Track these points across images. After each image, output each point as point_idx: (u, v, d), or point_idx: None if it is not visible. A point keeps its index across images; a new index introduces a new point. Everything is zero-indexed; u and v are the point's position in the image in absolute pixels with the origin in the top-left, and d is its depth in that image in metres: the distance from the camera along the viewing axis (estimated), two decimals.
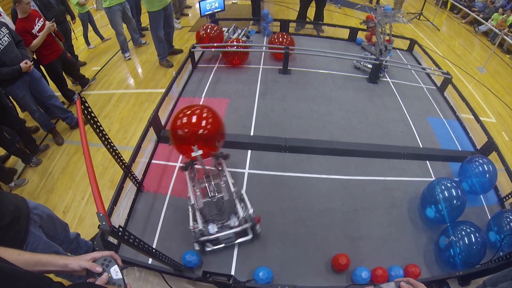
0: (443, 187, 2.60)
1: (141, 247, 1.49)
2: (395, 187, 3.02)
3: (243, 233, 2.44)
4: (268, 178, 3.00)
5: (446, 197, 2.54)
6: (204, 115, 2.25)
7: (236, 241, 2.46)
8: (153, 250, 1.62)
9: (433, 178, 3.13)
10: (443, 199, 2.54)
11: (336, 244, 2.52)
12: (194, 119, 2.21)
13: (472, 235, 2.33)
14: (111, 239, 2.39)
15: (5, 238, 1.95)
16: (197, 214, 2.40)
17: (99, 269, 1.22)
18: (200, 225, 2.33)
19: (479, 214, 2.90)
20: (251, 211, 2.37)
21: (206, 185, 2.56)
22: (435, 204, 2.58)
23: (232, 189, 2.45)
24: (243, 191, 2.61)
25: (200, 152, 2.03)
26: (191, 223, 2.33)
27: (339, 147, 3.29)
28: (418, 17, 9.66)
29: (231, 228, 2.38)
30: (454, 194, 2.56)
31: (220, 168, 2.67)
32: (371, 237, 2.60)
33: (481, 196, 3.07)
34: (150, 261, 2.30)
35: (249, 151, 3.24)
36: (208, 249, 2.44)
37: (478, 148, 3.48)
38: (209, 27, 4.92)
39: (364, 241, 2.57)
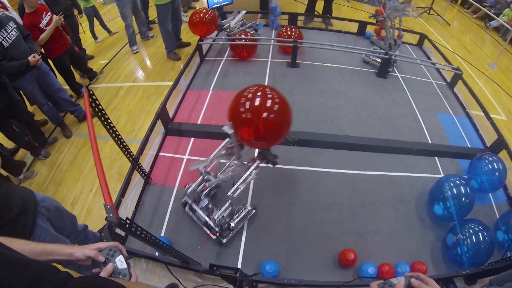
0: (451, 184, 2.56)
1: (148, 239, 1.50)
2: (403, 183, 2.99)
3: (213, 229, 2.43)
4: (276, 172, 2.96)
5: (455, 195, 2.50)
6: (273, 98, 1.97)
7: (204, 229, 2.48)
8: (160, 242, 1.63)
9: (442, 175, 3.09)
10: (451, 196, 2.50)
11: (343, 239, 2.51)
12: (257, 101, 1.93)
13: (480, 233, 2.30)
14: (118, 230, 2.40)
15: (13, 231, 1.98)
16: (198, 180, 2.40)
17: (101, 258, 1.25)
18: (190, 188, 2.43)
19: (488, 213, 2.86)
20: (233, 224, 2.38)
21: (228, 164, 2.42)
22: (443, 201, 2.54)
23: (230, 192, 2.24)
24: (248, 205, 2.59)
25: (231, 130, 1.94)
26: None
27: (348, 141, 3.26)
28: (428, 11, 9.54)
29: (209, 216, 2.40)
30: (463, 191, 2.52)
31: (248, 163, 2.36)
32: (378, 232, 2.59)
33: (490, 194, 3.02)
34: (157, 253, 2.31)
35: None
36: (186, 211, 2.57)
37: (488, 146, 3.44)
38: (202, 11, 4.77)
39: (371, 236, 2.56)
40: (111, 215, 1.28)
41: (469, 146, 3.53)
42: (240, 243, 2.47)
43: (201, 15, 4.63)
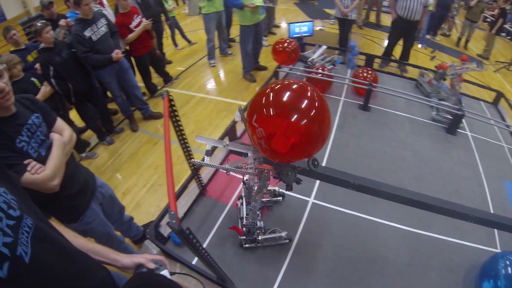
0: (507, 262, 2.40)
1: (200, 251, 1.57)
2: (455, 250, 2.83)
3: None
4: (330, 212, 2.98)
5: (509, 274, 2.34)
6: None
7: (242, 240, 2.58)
8: (211, 260, 1.69)
9: (499, 250, 2.90)
10: (504, 275, 2.34)
11: None
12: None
13: None
14: (162, 230, 2.57)
15: (68, 205, 2.15)
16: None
17: (151, 265, 1.31)
18: (243, 202, 2.64)
19: None
20: (259, 238, 2.54)
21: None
22: (494, 279, 2.37)
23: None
24: (284, 232, 2.62)
25: (239, 118, 1.78)
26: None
27: (406, 195, 3.15)
28: (507, 67, 8.84)
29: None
30: None
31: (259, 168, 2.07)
32: None
33: None
34: (194, 261, 2.42)
35: (317, 181, 3.21)
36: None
37: None
38: (287, 41, 4.97)
39: None
40: (173, 221, 1.34)
41: None
42: (278, 274, 2.48)
43: (285, 44, 4.80)
